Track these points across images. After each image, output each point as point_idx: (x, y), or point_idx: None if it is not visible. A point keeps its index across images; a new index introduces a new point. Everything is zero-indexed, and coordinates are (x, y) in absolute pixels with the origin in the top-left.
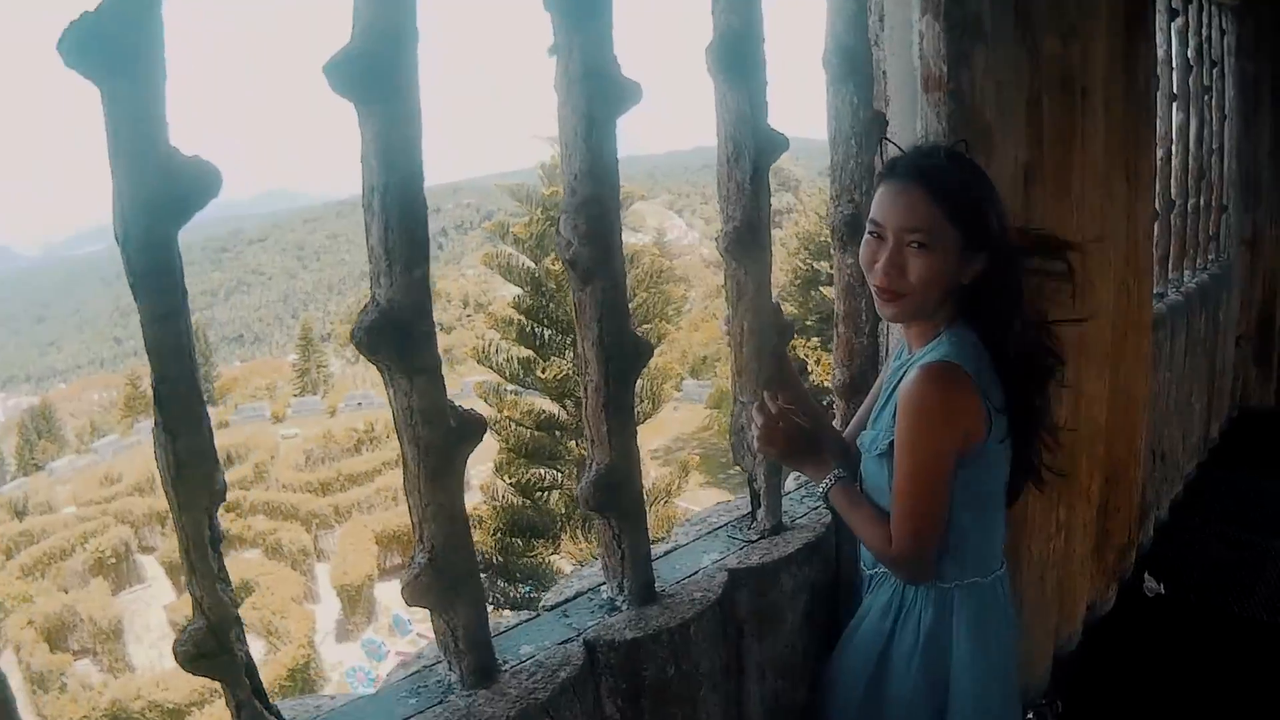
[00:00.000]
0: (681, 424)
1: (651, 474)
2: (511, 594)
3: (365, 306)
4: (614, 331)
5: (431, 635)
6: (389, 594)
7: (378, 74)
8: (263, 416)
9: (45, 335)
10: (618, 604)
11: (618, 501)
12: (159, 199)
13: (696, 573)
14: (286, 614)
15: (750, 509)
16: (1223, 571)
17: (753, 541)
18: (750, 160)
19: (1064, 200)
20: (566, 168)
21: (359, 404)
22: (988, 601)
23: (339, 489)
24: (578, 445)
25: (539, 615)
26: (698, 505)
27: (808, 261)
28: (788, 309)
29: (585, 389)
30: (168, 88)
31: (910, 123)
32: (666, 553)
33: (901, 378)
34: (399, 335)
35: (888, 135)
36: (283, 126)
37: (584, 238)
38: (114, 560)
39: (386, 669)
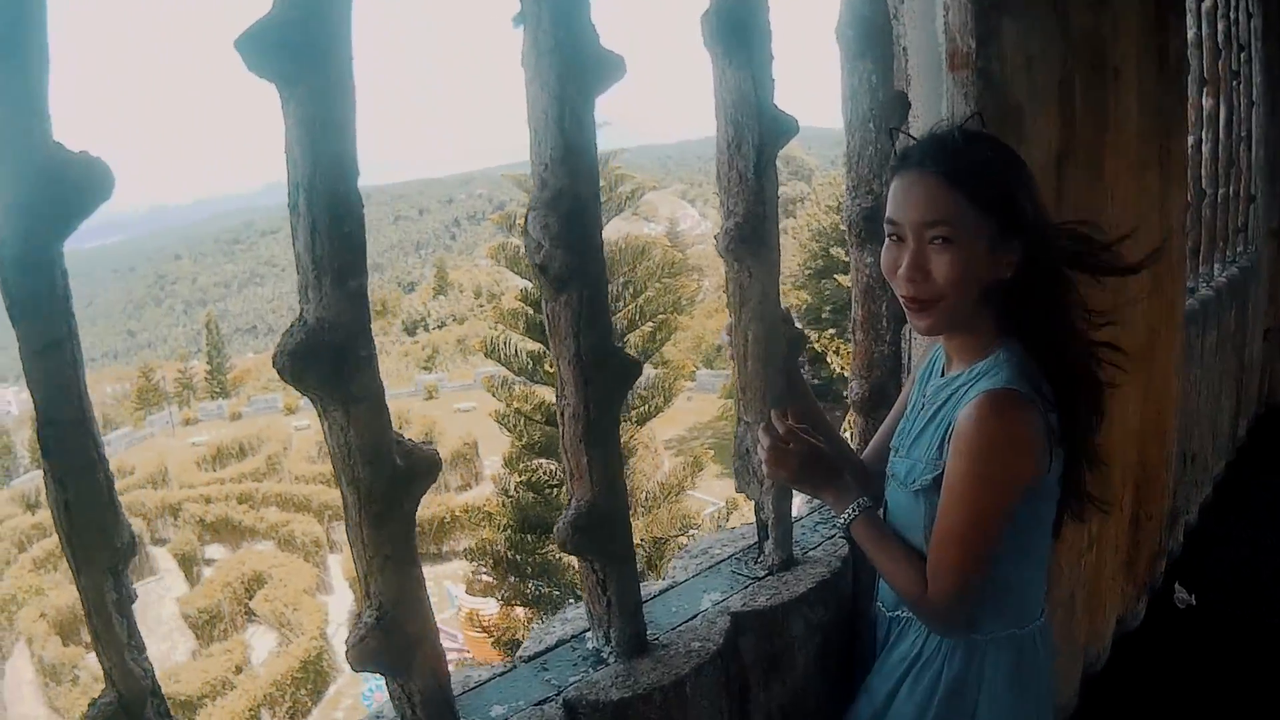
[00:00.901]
0: (696, 414)
1: (665, 465)
2: (523, 590)
3: (290, 325)
4: (594, 348)
5: (445, 628)
6: None
7: (300, 47)
8: (275, 408)
9: None
10: (604, 656)
11: (601, 544)
12: (39, 204)
13: (695, 617)
14: (299, 606)
15: (757, 539)
16: (1255, 579)
17: (759, 579)
18: (753, 147)
19: (1096, 188)
20: (536, 156)
21: None
22: (1025, 655)
23: None
24: None
25: (514, 668)
26: (712, 496)
27: (824, 247)
28: (801, 296)
29: (562, 414)
30: (50, 75)
31: (935, 104)
32: (662, 591)
33: (946, 401)
34: (331, 359)
35: (910, 118)
36: None
37: (556, 238)
38: None
39: None
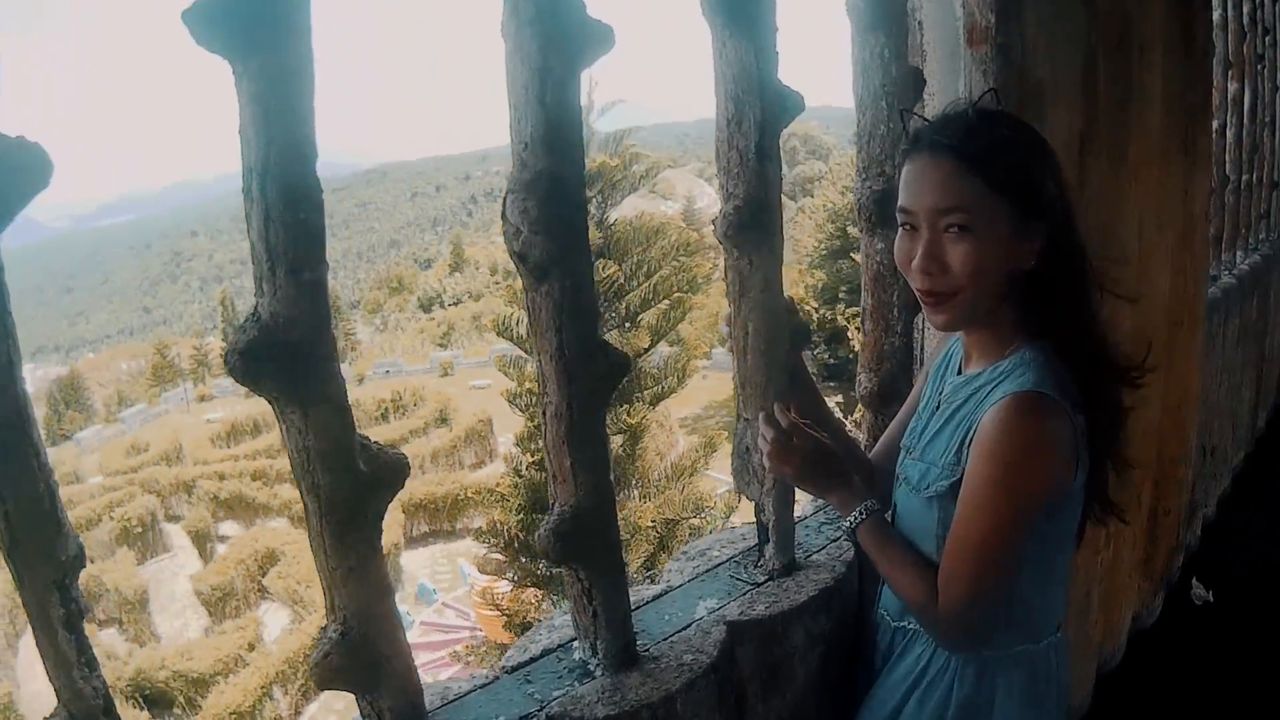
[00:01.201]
0: (711, 392)
1: (680, 444)
2: (534, 570)
3: (243, 321)
4: (577, 343)
5: (457, 606)
6: (415, 562)
7: (251, 19)
8: None
9: (73, 306)
10: (590, 668)
11: (586, 552)
12: None
13: (689, 626)
14: (312, 583)
15: (757, 542)
16: (1274, 573)
17: (759, 584)
18: (755, 125)
19: (1119, 172)
20: (515, 135)
21: (387, 371)
22: (1039, 672)
23: None
24: None
25: (497, 679)
26: (725, 475)
27: (840, 227)
28: (817, 276)
29: (544, 413)
30: None
31: (952, 82)
32: (655, 598)
33: (966, 401)
34: (286, 358)
35: (926, 95)
36: None
37: (535, 224)
38: (140, 530)
39: (413, 638)
